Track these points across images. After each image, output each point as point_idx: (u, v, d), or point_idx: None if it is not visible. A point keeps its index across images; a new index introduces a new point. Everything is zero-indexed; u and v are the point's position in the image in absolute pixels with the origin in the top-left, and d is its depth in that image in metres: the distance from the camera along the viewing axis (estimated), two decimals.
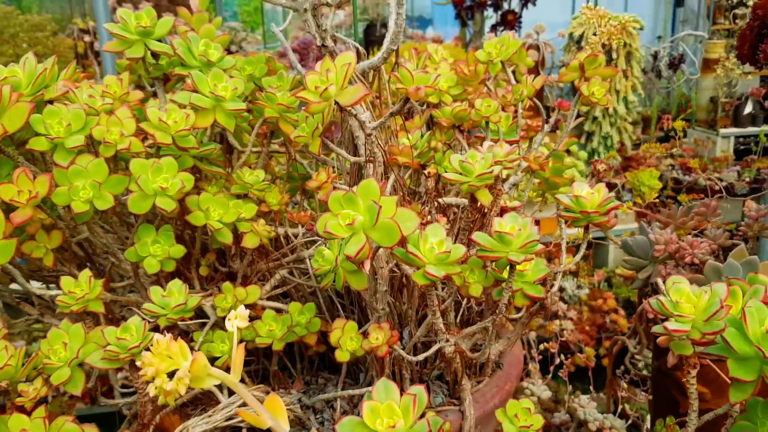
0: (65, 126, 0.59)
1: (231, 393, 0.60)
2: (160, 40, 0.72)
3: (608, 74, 0.75)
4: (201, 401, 0.65)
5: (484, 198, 0.57)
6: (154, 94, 0.79)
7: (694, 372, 0.52)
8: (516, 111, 0.84)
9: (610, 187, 3.22)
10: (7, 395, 0.53)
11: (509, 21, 4.47)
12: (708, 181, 2.92)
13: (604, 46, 3.14)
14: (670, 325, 0.49)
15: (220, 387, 0.63)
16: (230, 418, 0.60)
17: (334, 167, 0.69)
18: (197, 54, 0.70)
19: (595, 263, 3.02)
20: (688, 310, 0.49)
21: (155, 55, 0.73)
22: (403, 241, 0.49)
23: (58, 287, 0.58)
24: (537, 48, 3.37)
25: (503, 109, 0.85)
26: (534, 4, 4.59)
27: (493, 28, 4.31)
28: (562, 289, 2.55)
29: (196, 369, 0.34)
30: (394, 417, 0.45)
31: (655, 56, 4.06)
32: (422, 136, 0.76)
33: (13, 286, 0.73)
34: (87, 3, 6.78)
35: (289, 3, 0.68)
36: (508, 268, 0.54)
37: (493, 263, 0.56)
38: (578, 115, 3.58)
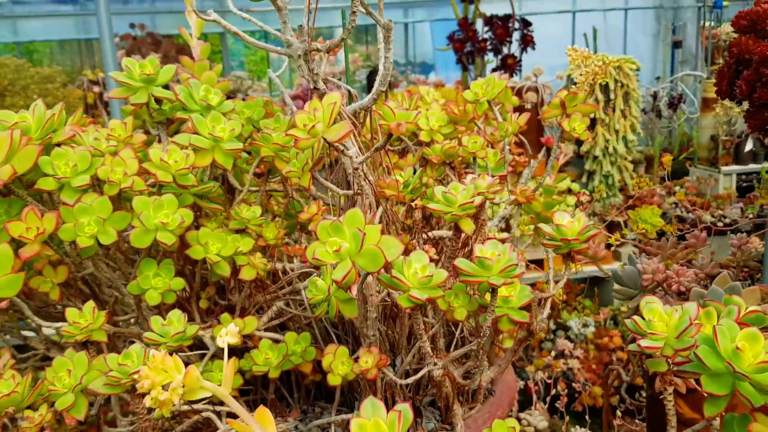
0: (72, 166, 0.63)
1: (230, 416, 0.62)
2: (165, 87, 0.76)
3: (588, 111, 0.79)
4: (201, 430, 0.67)
5: (467, 227, 0.60)
6: (159, 138, 0.83)
7: (670, 389, 0.54)
8: (503, 147, 0.88)
9: (613, 225, 3.25)
10: (14, 422, 0.56)
11: (509, 65, 4.56)
12: (711, 218, 2.94)
13: (591, 85, 3.21)
14: (644, 342, 0.51)
15: (218, 416, 0.65)
16: None
17: (328, 203, 0.72)
18: (198, 99, 0.74)
19: (601, 301, 3.02)
20: (660, 328, 0.52)
21: (159, 101, 0.77)
22: (388, 267, 0.52)
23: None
24: (536, 90, 3.43)
25: (492, 146, 0.88)
26: (533, 48, 4.69)
27: (494, 71, 4.39)
28: (567, 328, 2.56)
29: (189, 381, 0.37)
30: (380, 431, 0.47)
31: (654, 96, 4.13)
32: (415, 172, 0.80)
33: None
34: (97, 55, 6.96)
35: (283, 50, 0.72)
36: (490, 292, 0.57)
37: (476, 287, 0.58)
38: (579, 155, 3.62)
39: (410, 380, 0.60)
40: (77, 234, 0.60)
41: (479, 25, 4.71)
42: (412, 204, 0.66)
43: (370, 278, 0.61)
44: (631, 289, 0.91)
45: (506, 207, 0.84)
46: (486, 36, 4.81)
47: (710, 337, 0.53)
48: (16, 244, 0.60)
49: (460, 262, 0.55)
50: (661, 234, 2.73)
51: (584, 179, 3.62)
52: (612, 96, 3.46)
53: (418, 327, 0.56)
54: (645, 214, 3.09)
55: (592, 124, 3.49)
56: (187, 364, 0.65)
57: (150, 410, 0.62)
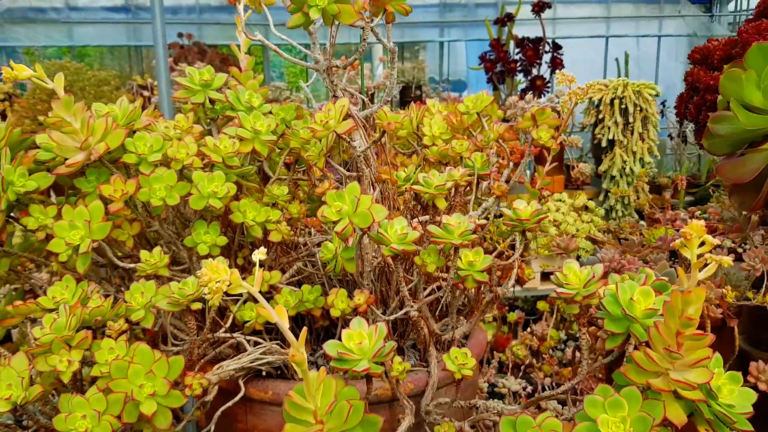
0: (148, 146, 0.84)
1: (256, 343, 0.82)
2: (217, 91, 0.97)
3: (554, 123, 0.98)
4: (234, 354, 0.87)
5: (440, 204, 0.80)
6: (210, 131, 1.03)
7: (584, 329, 0.72)
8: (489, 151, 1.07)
9: (629, 243, 3.38)
10: (101, 329, 0.76)
11: (538, 86, 4.75)
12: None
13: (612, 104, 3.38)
14: (560, 289, 0.70)
15: (248, 342, 0.85)
16: (254, 361, 0.82)
17: (339, 183, 0.92)
18: (243, 101, 0.95)
19: None
20: (574, 280, 0.70)
21: (212, 102, 0.98)
22: (376, 227, 0.72)
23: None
24: (556, 111, 3.60)
25: (481, 150, 1.07)
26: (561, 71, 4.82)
27: (523, 92, 4.57)
28: (577, 338, 2.71)
29: (233, 279, 0.57)
30: (362, 339, 0.66)
31: (681, 122, 4.25)
32: (416, 169, 0.99)
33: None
34: (144, 61, 7.29)
35: (312, 65, 0.93)
36: (453, 252, 0.76)
37: (443, 248, 0.77)
38: (597, 175, 3.76)
39: (392, 317, 0.79)
40: (150, 196, 0.81)
41: (511, 46, 4.90)
42: (405, 188, 0.86)
43: (366, 240, 0.81)
44: None
45: (489, 200, 1.03)
46: (517, 57, 4.99)
47: (614, 292, 0.71)
48: (105, 202, 0.81)
49: (432, 227, 0.74)
50: (673, 254, 2.86)
51: (601, 198, 3.75)
52: (631, 119, 3.61)
53: (398, 275, 0.76)
54: (659, 234, 3.24)
55: (611, 146, 3.65)
56: (226, 309, 0.85)
57: (199, 329, 0.82)
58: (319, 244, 0.97)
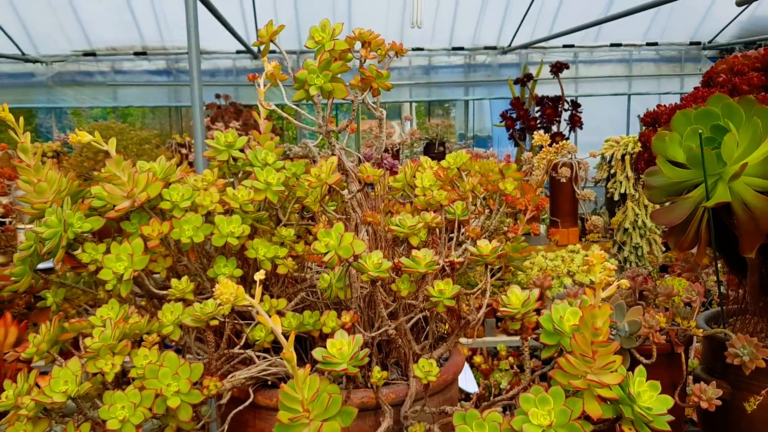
0: (180, 195, 1.04)
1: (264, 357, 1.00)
2: (240, 150, 1.17)
3: (518, 176, 1.16)
4: (246, 365, 1.05)
5: (414, 241, 0.97)
6: (233, 183, 1.23)
7: (526, 343, 0.88)
8: (468, 201, 1.25)
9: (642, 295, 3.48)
10: (138, 341, 0.95)
11: (557, 142, 4.90)
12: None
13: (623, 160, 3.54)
14: (503, 308, 0.86)
15: (257, 357, 1.02)
16: (261, 372, 0.99)
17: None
18: (260, 158, 1.15)
19: None
20: (515, 301, 0.87)
21: (235, 159, 1.19)
22: (357, 259, 0.90)
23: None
24: (570, 166, 3.78)
25: (463, 199, 1.25)
26: (580, 128, 5.05)
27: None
28: None
29: (239, 293, 0.75)
30: (342, 346, 0.83)
31: (638, 177, 4.33)
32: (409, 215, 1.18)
33: None
34: (183, 120, 7.67)
35: (316, 129, 1.13)
36: (421, 278, 0.93)
37: (412, 276, 0.95)
38: (609, 228, 3.88)
39: (373, 334, 0.96)
40: (181, 235, 1.00)
41: (533, 104, 5.12)
42: (387, 228, 1.04)
43: (354, 272, 0.98)
44: None
45: (466, 239, 1.20)
46: (537, 115, 5.20)
47: (549, 312, 0.87)
48: (144, 240, 1.01)
49: (403, 260, 0.92)
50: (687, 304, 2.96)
51: (615, 250, 3.87)
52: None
53: (378, 299, 0.93)
54: (671, 284, 3.34)
55: (623, 199, 3.79)
56: (241, 332, 1.04)
57: (217, 345, 1.00)
58: (318, 276, 1.15)
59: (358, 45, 1.07)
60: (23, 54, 5.73)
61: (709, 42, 6.91)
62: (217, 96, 5.49)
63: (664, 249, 3.81)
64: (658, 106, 1.26)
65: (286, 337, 0.75)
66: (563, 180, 3.78)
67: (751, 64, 1.17)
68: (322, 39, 1.00)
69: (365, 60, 1.04)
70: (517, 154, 5.17)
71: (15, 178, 3.69)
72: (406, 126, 7.08)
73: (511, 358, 3.15)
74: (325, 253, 0.88)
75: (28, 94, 6.25)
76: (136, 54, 6.21)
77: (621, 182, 3.76)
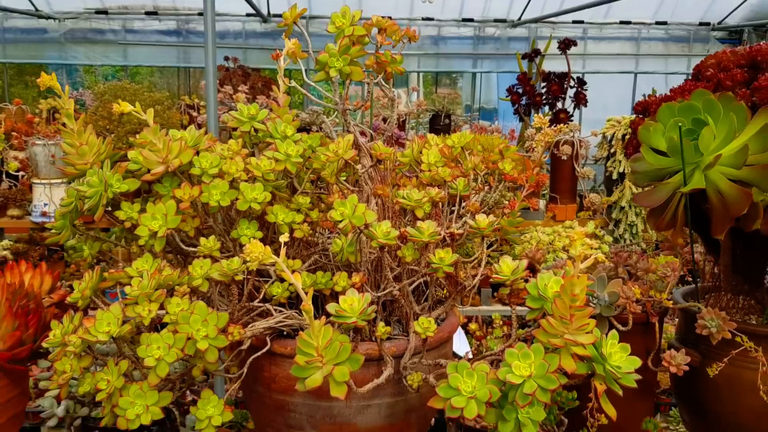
0: (209, 163, 1.15)
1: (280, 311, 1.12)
2: (261, 122, 1.28)
3: (516, 157, 1.26)
4: (262, 317, 1.17)
5: (419, 213, 1.09)
6: (254, 153, 1.34)
7: (514, 306, 1.00)
8: (470, 178, 1.36)
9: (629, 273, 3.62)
10: (170, 291, 1.07)
11: (561, 119, 5.00)
12: None
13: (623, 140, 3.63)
14: (495, 275, 0.98)
15: (274, 310, 1.15)
16: (279, 323, 1.12)
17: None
18: (279, 131, 1.25)
19: None
20: (506, 269, 0.99)
21: (256, 130, 1.29)
22: (368, 227, 1.01)
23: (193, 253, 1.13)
24: (572, 144, 3.87)
25: (465, 176, 1.36)
26: (585, 106, 5.12)
27: (549, 123, 4.82)
28: None
29: (266, 252, 0.86)
30: (353, 302, 0.95)
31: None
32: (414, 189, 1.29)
33: None
34: (191, 81, 7.70)
35: (332, 105, 1.23)
36: (424, 247, 1.05)
37: (417, 244, 1.06)
38: (609, 205, 3.99)
39: (380, 294, 1.08)
40: (209, 199, 1.11)
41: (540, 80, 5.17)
42: (395, 201, 1.15)
43: (364, 239, 1.10)
44: None
45: (466, 213, 1.31)
46: (542, 91, 5.26)
47: (535, 280, 0.99)
48: (176, 201, 1.12)
49: (409, 230, 1.03)
50: (682, 279, 3.09)
51: (611, 227, 3.98)
52: None
53: (384, 262, 1.05)
54: (662, 261, 3.47)
55: (621, 178, 3.89)
56: (258, 289, 1.16)
57: (239, 298, 1.12)
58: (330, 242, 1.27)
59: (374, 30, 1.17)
60: (37, 10, 5.77)
61: (719, 23, 6.93)
62: (226, 59, 5.54)
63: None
64: (649, 96, 1.36)
65: (306, 293, 0.87)
66: (564, 157, 3.88)
67: (736, 61, 1.27)
68: (342, 25, 1.10)
69: (381, 45, 1.14)
70: (521, 130, 5.24)
71: (31, 134, 3.80)
72: (413, 96, 7.15)
73: (505, 327, 3.29)
74: (340, 221, 0.99)
75: (40, 50, 6.31)
76: (147, 13, 6.25)
77: (620, 161, 3.86)
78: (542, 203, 4.21)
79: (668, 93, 1.34)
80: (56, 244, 1.28)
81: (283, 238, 0.89)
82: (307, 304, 0.86)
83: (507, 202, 1.39)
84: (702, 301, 1.35)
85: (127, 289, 1.02)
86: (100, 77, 8.11)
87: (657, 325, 1.26)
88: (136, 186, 1.15)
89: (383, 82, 1.16)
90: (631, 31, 7.24)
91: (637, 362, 0.99)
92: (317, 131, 4.31)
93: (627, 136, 3.85)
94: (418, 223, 1.03)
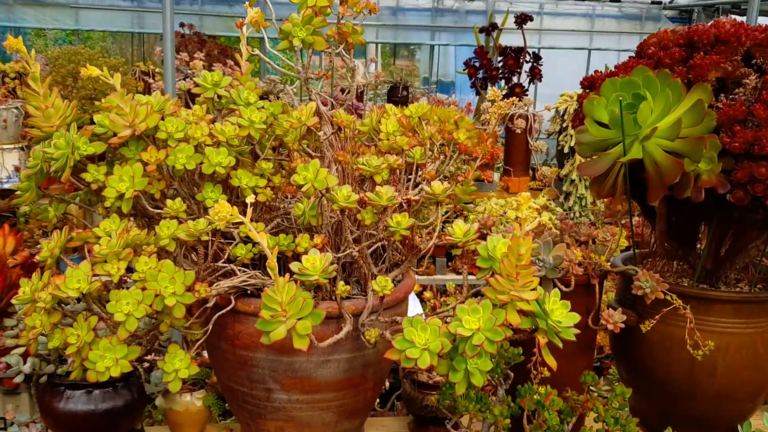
0: (175, 127, 1.18)
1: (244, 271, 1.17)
2: (223, 89, 1.31)
3: (470, 128, 1.33)
4: (226, 278, 1.22)
5: (377, 179, 1.15)
6: (216, 119, 1.38)
7: (465, 267, 1.08)
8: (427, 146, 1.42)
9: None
10: (136, 252, 1.11)
11: (516, 93, 5.09)
12: None
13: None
14: (448, 237, 1.05)
15: (239, 271, 1.20)
16: (243, 282, 1.17)
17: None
18: (243, 97, 1.29)
19: None
20: (458, 232, 1.06)
21: (219, 97, 1.33)
22: (329, 191, 1.07)
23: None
24: (525, 118, 3.97)
25: (422, 145, 1.42)
26: (539, 81, 5.21)
27: (504, 97, 4.90)
28: None
29: (233, 212, 0.91)
30: (315, 261, 1.01)
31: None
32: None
33: None
34: (145, 47, 7.56)
35: (295, 75, 1.27)
36: (382, 211, 1.11)
37: (376, 208, 1.12)
38: (560, 178, 4.10)
39: (340, 255, 1.14)
40: (175, 162, 1.15)
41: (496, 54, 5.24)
42: (355, 167, 1.21)
43: (325, 202, 1.16)
44: None
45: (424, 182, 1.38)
46: (499, 65, 5.33)
47: (486, 243, 1.06)
48: (142, 164, 1.16)
49: (369, 195, 1.09)
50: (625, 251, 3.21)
51: (561, 199, 4.10)
52: None
53: (345, 226, 1.11)
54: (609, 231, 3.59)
55: (572, 152, 4.01)
56: (222, 251, 1.20)
57: (205, 256, 1.17)
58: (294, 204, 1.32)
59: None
60: None
61: (670, 2, 7.10)
62: (182, 25, 5.45)
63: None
64: (596, 71, 1.44)
65: (271, 251, 0.93)
66: (518, 131, 3.98)
67: (675, 40, 1.36)
68: None
69: (342, 16, 1.19)
70: (477, 103, 5.32)
71: None
72: (371, 68, 7.15)
73: (458, 295, 3.39)
74: (303, 185, 1.04)
75: None
76: None
77: (572, 135, 3.98)
78: (496, 176, 4.32)
79: (613, 69, 1.42)
80: (7, 210, 1.31)
81: (250, 199, 0.94)
82: (272, 261, 0.92)
83: (463, 173, 1.46)
84: (640, 266, 1.46)
85: (95, 248, 1.06)
86: (50, 41, 7.87)
87: (597, 287, 1.35)
88: (102, 149, 1.18)
89: (344, 53, 1.21)
90: (586, 7, 7.37)
91: (577, 318, 1.07)
92: (276, 100, 4.31)
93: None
94: (377, 188, 1.09)
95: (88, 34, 8.61)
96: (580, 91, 4.19)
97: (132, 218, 1.30)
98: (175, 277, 1.05)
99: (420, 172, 1.36)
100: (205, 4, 6.56)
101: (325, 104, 1.32)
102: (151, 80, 5.23)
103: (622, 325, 1.29)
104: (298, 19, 1.14)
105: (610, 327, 1.29)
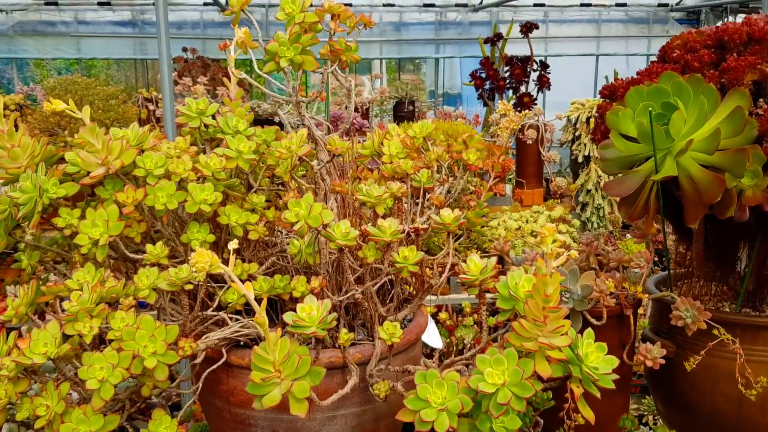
0: (154, 163, 1.06)
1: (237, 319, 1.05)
2: (212, 117, 1.20)
3: (480, 147, 1.20)
4: (219, 327, 1.10)
5: (380, 210, 1.02)
6: (204, 150, 1.26)
7: (484, 307, 0.95)
8: (434, 169, 1.29)
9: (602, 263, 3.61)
10: (114, 304, 0.99)
11: (525, 103, 4.98)
12: None
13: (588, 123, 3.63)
14: (463, 275, 0.92)
15: (230, 319, 1.07)
16: (234, 333, 1.04)
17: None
18: (231, 125, 1.17)
19: None
20: (474, 269, 0.93)
21: (206, 126, 1.21)
22: (326, 227, 0.94)
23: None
24: (537, 128, 3.84)
25: (428, 167, 1.30)
26: (548, 89, 5.09)
27: (514, 107, 4.78)
28: None
29: (213, 261, 0.79)
30: (312, 310, 0.89)
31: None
32: (375, 183, 1.22)
33: None
34: (150, 73, 7.52)
35: (286, 98, 1.15)
36: (386, 247, 0.98)
37: (379, 244, 1.00)
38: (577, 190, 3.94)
39: (341, 298, 1.02)
40: (155, 202, 1.03)
41: (502, 64, 5.13)
42: (355, 197, 1.08)
43: (323, 240, 1.03)
44: None
45: (431, 208, 1.25)
46: (506, 75, 5.22)
47: (506, 279, 0.93)
48: (119, 206, 1.04)
49: (370, 228, 0.97)
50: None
51: (578, 210, 3.96)
52: None
53: (345, 265, 0.98)
54: (630, 244, 3.47)
55: (587, 161, 3.87)
56: (213, 296, 1.08)
57: (191, 308, 1.04)
58: (289, 241, 1.20)
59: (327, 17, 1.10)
60: None
61: (677, 4, 6.98)
62: (184, 49, 5.39)
63: None
64: (616, 79, 1.31)
65: (259, 302, 0.80)
66: (529, 141, 3.84)
67: (703, 41, 1.23)
68: (292, 11, 1.03)
69: (335, 32, 1.07)
70: (485, 114, 5.21)
71: None
72: (376, 83, 7.05)
73: (475, 315, 3.26)
74: (295, 223, 0.92)
75: None
76: (100, 4, 6.05)
77: (585, 144, 3.84)
78: (509, 188, 4.18)
79: (635, 76, 1.29)
80: None
81: (233, 244, 0.81)
82: (261, 316, 0.79)
83: (474, 188, 1.33)
84: (675, 289, 1.32)
85: (65, 304, 0.94)
86: (52, 71, 7.85)
87: (632, 317, 1.21)
88: (74, 190, 1.07)
89: (338, 71, 1.09)
90: (591, 13, 7.26)
91: (615, 362, 0.94)
92: (281, 122, 4.21)
93: (591, 119, 3.83)
94: (380, 222, 0.96)
95: (92, 62, 8.59)
96: (591, 98, 4.06)
97: (113, 261, 1.18)
98: (155, 333, 0.92)
99: (428, 197, 1.24)
100: (207, 28, 6.51)
101: (320, 128, 1.20)
102: (153, 107, 5.15)
103: (662, 361, 1.15)
104: (284, 38, 1.02)
105: (649, 364, 1.15)
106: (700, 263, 1.30)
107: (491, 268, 0.93)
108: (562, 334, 0.86)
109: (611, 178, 1.15)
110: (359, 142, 1.40)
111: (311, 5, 1.05)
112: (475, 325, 3.23)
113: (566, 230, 3.52)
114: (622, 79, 1.30)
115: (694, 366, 1.19)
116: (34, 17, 6.06)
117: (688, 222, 1.04)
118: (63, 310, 0.95)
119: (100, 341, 0.99)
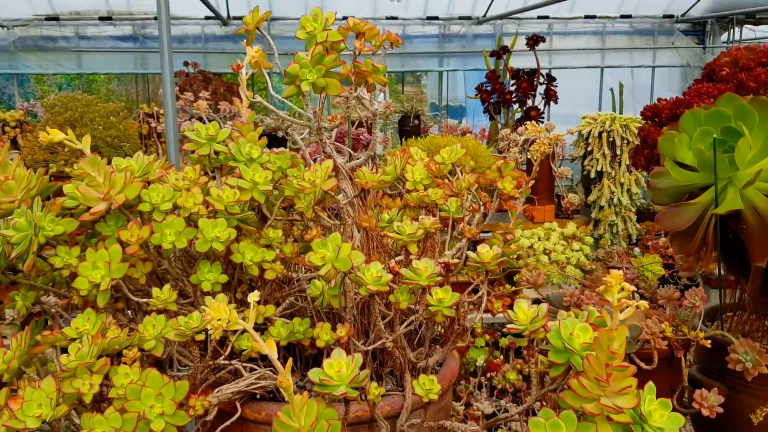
0: (161, 197, 0.96)
1: (251, 369, 0.94)
2: (222, 143, 1.10)
3: (515, 175, 1.10)
4: (232, 379, 0.99)
5: (412, 249, 0.92)
6: (213, 178, 1.16)
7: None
8: (463, 197, 1.19)
9: (593, 278, 3.51)
10: (117, 357, 0.88)
11: (532, 116, 4.89)
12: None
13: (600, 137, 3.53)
14: (510, 324, 0.82)
15: (244, 369, 0.97)
16: (249, 385, 0.94)
17: (329, 228, 1.05)
18: (244, 152, 1.07)
19: None
20: (522, 317, 0.82)
21: (217, 152, 1.11)
22: (355, 270, 0.84)
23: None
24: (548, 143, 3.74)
25: (456, 196, 1.20)
26: (555, 102, 5.01)
27: (518, 122, 4.70)
28: None
29: (231, 317, 0.69)
30: (341, 367, 0.78)
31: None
32: (398, 212, 1.12)
33: None
34: (150, 87, 7.44)
35: (305, 123, 1.06)
36: (421, 291, 0.88)
37: (413, 288, 0.90)
38: (587, 204, 3.86)
39: (370, 347, 0.91)
40: (162, 241, 0.93)
41: (507, 77, 5.04)
42: (382, 233, 0.98)
43: (348, 281, 0.93)
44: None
45: (462, 239, 1.15)
46: (512, 88, 5.13)
47: (558, 328, 0.83)
48: (122, 244, 0.94)
49: (403, 270, 0.86)
50: (663, 281, 2.97)
51: (591, 227, 3.86)
52: (618, 151, 3.72)
53: (375, 312, 0.88)
54: (646, 262, 3.36)
55: (599, 177, 3.78)
56: (226, 339, 0.97)
57: (201, 357, 0.94)
58: (309, 280, 1.09)
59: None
60: None
61: (682, 15, 6.90)
62: (186, 64, 5.30)
63: (637, 225, 3.82)
64: (659, 99, 1.22)
65: (284, 364, 0.70)
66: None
67: (757, 59, 1.13)
68: (314, 30, 0.93)
69: (359, 53, 0.97)
70: (491, 128, 5.11)
71: None
72: (380, 97, 6.95)
73: (486, 335, 3.15)
74: (321, 266, 0.82)
75: None
76: (101, 19, 5.98)
77: (597, 159, 3.74)
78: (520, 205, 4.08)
79: (681, 96, 1.19)
80: None
81: (253, 296, 0.71)
82: (285, 379, 0.69)
83: (482, 203, 1.23)
84: (724, 322, 1.21)
85: (63, 359, 0.83)
86: (54, 86, 7.77)
87: (683, 360, 1.11)
88: (73, 227, 0.96)
89: (364, 95, 0.99)
90: (596, 25, 7.18)
91: (681, 420, 0.83)
92: (283, 137, 4.11)
93: (604, 134, 3.73)
94: (414, 263, 0.86)
95: (93, 77, 8.51)
96: (595, 111, 3.96)
97: (115, 301, 1.08)
98: (163, 392, 0.82)
99: (457, 227, 1.14)
100: (209, 42, 6.42)
101: (340, 153, 1.10)
102: (154, 122, 5.06)
103: (720, 410, 1.04)
104: (306, 59, 0.92)
105: (705, 412, 1.05)
106: (754, 298, 1.19)
107: (543, 315, 0.82)
108: (627, 395, 0.76)
109: (661, 208, 1.05)
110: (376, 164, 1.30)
111: (333, 22, 0.95)
112: (487, 346, 3.12)
113: (579, 248, 3.42)
114: (666, 100, 1.20)
115: (749, 407, 1.09)
116: (35, 32, 5.98)
117: (755, 260, 0.94)
118: (60, 366, 0.84)
119: (101, 397, 0.89)
